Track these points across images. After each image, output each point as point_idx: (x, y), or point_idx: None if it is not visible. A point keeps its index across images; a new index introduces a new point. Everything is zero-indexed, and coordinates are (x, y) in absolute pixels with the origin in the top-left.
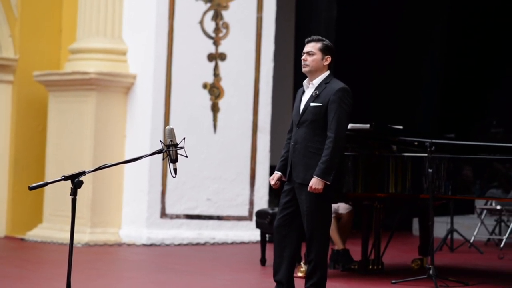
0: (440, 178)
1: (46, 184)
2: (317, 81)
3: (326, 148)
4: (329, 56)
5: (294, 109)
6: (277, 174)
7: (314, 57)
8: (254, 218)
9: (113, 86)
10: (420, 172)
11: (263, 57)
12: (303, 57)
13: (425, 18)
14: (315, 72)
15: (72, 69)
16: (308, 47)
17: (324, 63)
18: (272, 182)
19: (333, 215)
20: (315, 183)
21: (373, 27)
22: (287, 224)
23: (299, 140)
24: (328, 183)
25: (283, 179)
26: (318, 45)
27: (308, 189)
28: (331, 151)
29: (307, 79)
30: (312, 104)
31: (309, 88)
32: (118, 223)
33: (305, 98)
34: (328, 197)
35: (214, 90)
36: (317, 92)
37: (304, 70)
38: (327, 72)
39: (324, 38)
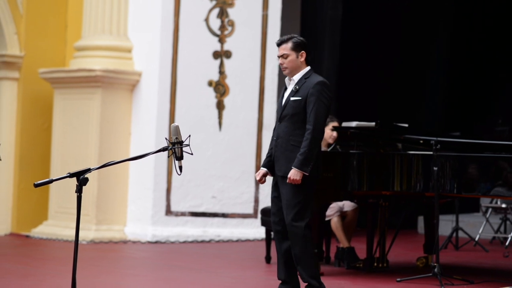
0: (445, 176)
1: (51, 181)
2: (297, 76)
3: (304, 140)
4: (303, 51)
5: (277, 106)
6: (262, 170)
7: (289, 58)
8: (259, 215)
9: (119, 83)
10: (426, 170)
11: (268, 55)
12: (279, 62)
13: (431, 16)
14: (295, 71)
15: (78, 66)
16: (281, 50)
17: (301, 60)
18: (258, 178)
19: (338, 213)
20: (293, 174)
21: (378, 25)
22: (279, 220)
23: (281, 135)
24: (307, 174)
25: (269, 175)
26: (289, 45)
27: (287, 181)
28: (309, 143)
29: (287, 76)
30: (292, 98)
31: (290, 84)
32: (123, 221)
33: (286, 94)
34: (309, 189)
35: (219, 88)
36: (297, 87)
37: (284, 73)
38: (307, 68)
39: (293, 35)
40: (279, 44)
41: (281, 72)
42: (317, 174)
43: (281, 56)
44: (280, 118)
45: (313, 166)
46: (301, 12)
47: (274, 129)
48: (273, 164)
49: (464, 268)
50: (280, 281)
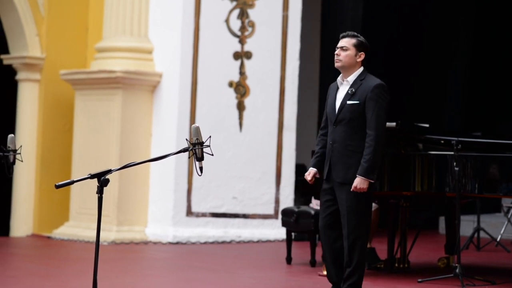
0: (467, 176)
1: (72, 182)
2: (351, 78)
3: (367, 147)
4: (363, 52)
5: (328, 105)
6: (312, 170)
7: (348, 52)
8: (279, 216)
9: (139, 84)
10: (446, 170)
11: (288, 56)
12: (336, 52)
13: (452, 15)
14: (348, 68)
15: (99, 68)
16: (342, 42)
17: (358, 59)
18: (309, 178)
19: None
20: (360, 182)
21: (399, 26)
22: (331, 223)
23: (337, 139)
24: (373, 181)
25: (317, 175)
26: (353, 40)
27: (352, 189)
28: (374, 149)
29: (341, 75)
30: (348, 102)
31: (344, 85)
32: (144, 221)
33: (340, 96)
34: (370, 196)
35: (240, 89)
36: (353, 90)
37: (336, 65)
38: (361, 69)
39: (359, 35)
40: (343, 37)
41: (301, 72)
42: (375, 180)
43: (340, 48)
44: (335, 121)
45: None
46: (321, 12)
47: (322, 128)
48: (322, 164)
49: (485, 268)
50: (332, 284)
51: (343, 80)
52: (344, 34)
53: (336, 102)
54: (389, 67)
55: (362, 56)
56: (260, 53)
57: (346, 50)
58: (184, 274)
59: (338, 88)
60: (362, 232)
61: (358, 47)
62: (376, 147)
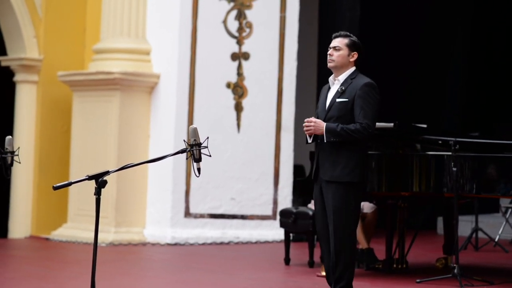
0: (465, 177)
1: (70, 183)
2: (342, 77)
3: (353, 125)
4: (355, 52)
5: (319, 106)
6: None
7: (340, 52)
8: (278, 217)
9: (137, 86)
10: (444, 170)
11: (286, 56)
12: (329, 52)
13: (449, 16)
14: (340, 67)
15: (96, 69)
16: (335, 42)
17: (350, 59)
18: None
19: None
20: (318, 125)
21: (396, 27)
22: (324, 223)
23: None
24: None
25: None
26: (345, 40)
27: (306, 121)
28: (354, 131)
29: (332, 75)
30: (338, 100)
31: (335, 84)
32: (142, 223)
33: (330, 95)
34: (357, 196)
35: (238, 90)
36: (343, 88)
37: (329, 65)
38: (353, 68)
39: (351, 35)
40: (336, 37)
41: (299, 73)
42: (363, 180)
43: (333, 48)
44: (324, 119)
45: (360, 172)
46: (319, 13)
47: None
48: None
49: (484, 269)
50: (330, 286)
51: (335, 80)
52: (336, 34)
53: (326, 101)
54: (387, 68)
55: (355, 56)
56: (258, 54)
57: (339, 50)
58: (183, 275)
59: (329, 88)
60: (348, 233)
61: (351, 47)
62: (357, 132)
